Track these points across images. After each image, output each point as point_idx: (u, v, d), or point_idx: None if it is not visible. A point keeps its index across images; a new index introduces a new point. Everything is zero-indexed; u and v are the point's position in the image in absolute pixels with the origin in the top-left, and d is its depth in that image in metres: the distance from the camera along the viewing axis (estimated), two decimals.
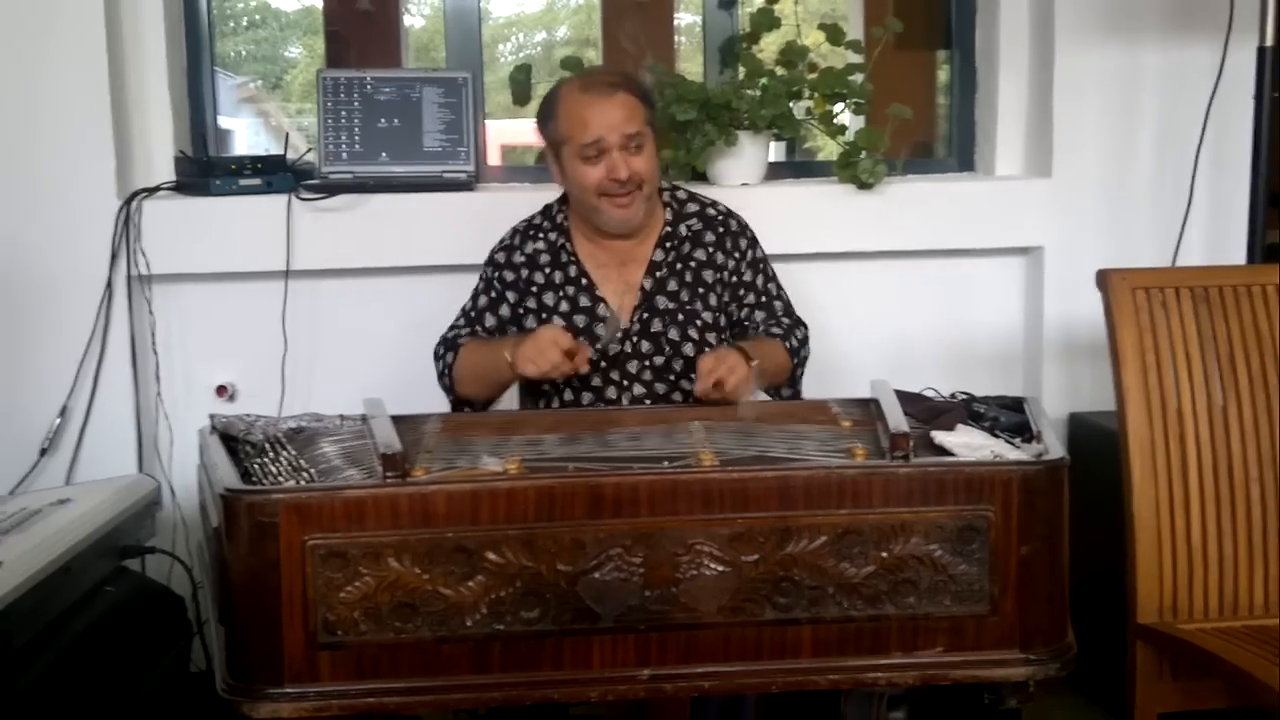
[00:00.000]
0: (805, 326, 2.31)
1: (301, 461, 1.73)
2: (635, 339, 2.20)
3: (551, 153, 2.24)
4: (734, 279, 2.27)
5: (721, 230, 2.28)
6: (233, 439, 1.83)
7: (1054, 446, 1.72)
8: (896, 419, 1.73)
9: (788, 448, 1.73)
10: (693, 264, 2.25)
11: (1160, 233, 2.82)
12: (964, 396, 1.99)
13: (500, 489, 1.58)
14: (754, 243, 2.31)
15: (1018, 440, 1.79)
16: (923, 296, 2.89)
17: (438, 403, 2.29)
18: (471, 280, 2.35)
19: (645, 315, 2.21)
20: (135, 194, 2.60)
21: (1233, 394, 2.18)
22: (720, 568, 1.58)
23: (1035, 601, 1.63)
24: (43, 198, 2.57)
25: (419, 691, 1.58)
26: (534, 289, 2.25)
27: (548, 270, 2.25)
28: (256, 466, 1.73)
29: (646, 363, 2.20)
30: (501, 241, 2.33)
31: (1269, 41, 2.49)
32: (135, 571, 2.33)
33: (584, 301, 2.23)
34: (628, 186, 2.14)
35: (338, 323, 2.74)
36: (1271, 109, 2.52)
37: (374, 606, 1.56)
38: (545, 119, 2.23)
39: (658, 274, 2.23)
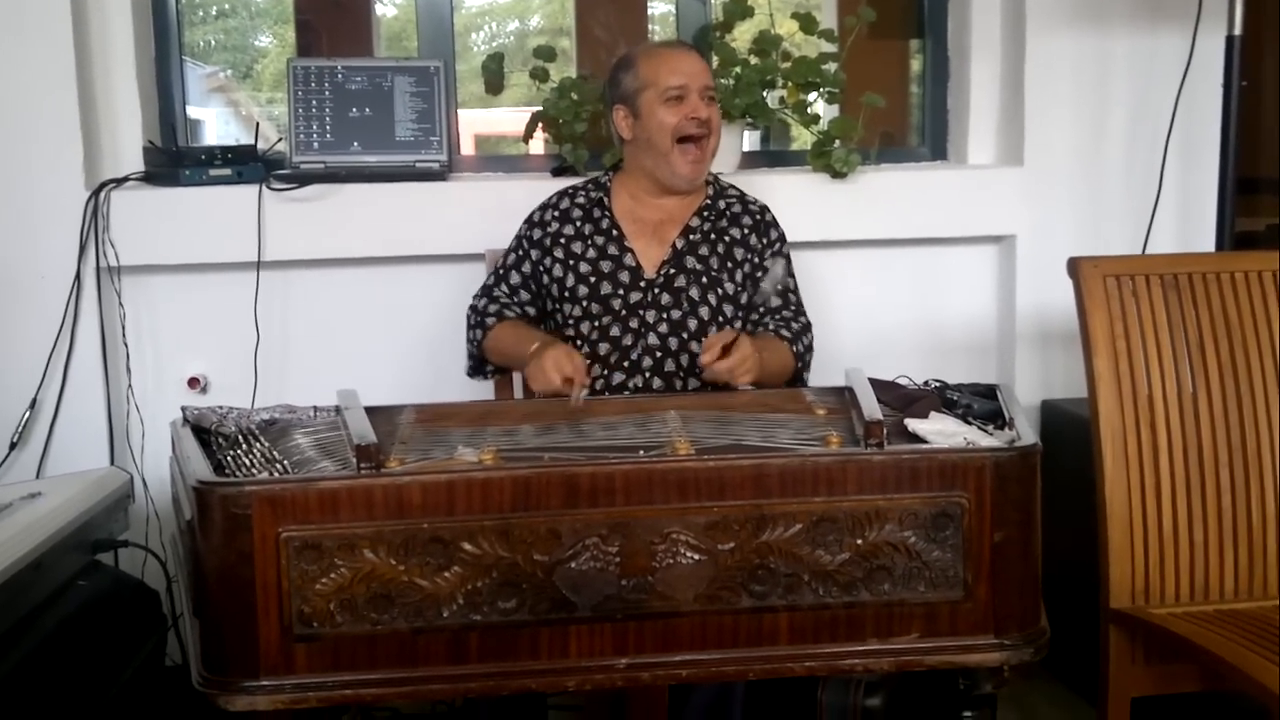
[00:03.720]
0: (811, 334, 2.38)
1: (275, 453, 1.73)
2: (657, 291, 2.29)
3: (624, 109, 2.32)
4: (758, 260, 2.36)
5: (758, 217, 2.41)
6: (205, 431, 1.82)
7: (1026, 433, 1.73)
8: (870, 407, 1.74)
9: (763, 436, 1.74)
10: (727, 239, 2.36)
11: (1131, 220, 2.84)
12: (937, 384, 2.00)
13: (476, 479, 1.57)
14: (784, 238, 2.43)
15: (990, 427, 1.80)
16: (896, 285, 2.90)
17: (412, 393, 2.29)
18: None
19: (671, 271, 2.31)
20: (104, 185, 2.57)
21: (1203, 380, 2.20)
22: (696, 556, 1.58)
23: (1009, 587, 1.64)
24: (9, 189, 2.54)
25: (396, 683, 1.58)
26: (562, 239, 2.35)
27: (578, 223, 2.36)
28: (229, 459, 1.72)
29: (664, 315, 2.28)
30: (543, 201, 2.42)
31: (1238, 30, 2.51)
32: (108, 565, 2.31)
33: (611, 250, 2.32)
34: (704, 129, 2.27)
35: (310, 314, 2.72)
36: (1240, 97, 2.54)
37: (349, 598, 1.55)
38: (621, 73, 2.34)
39: (691, 237, 2.34)
